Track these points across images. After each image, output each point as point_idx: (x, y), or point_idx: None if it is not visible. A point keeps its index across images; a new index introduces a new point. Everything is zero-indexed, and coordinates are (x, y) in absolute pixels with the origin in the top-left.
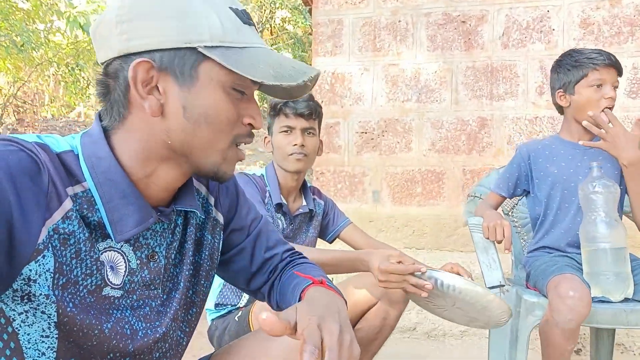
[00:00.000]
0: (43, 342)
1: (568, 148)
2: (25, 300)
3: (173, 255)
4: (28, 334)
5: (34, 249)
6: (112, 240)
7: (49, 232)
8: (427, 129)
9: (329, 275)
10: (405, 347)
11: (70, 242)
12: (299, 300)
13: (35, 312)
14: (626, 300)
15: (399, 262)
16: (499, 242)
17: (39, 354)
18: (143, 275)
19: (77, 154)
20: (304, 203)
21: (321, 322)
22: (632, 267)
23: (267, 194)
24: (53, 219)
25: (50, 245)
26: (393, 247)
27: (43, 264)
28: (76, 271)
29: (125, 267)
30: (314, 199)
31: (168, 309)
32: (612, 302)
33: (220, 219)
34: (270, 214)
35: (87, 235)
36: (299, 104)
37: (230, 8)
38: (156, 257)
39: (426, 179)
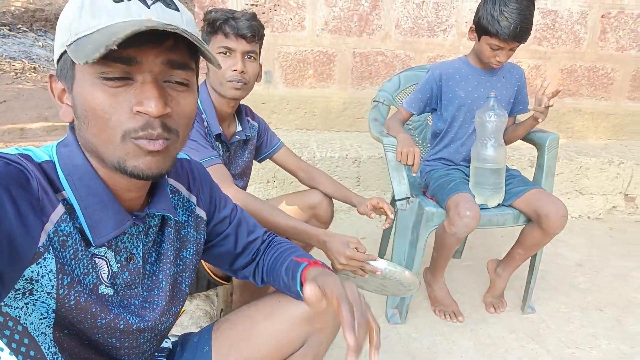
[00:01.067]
0: (42, 323)
1: (475, 74)
2: (27, 295)
3: (149, 255)
4: (32, 323)
5: (35, 252)
6: (93, 247)
7: (48, 235)
8: (321, 6)
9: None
10: None
11: (69, 243)
12: (300, 277)
13: (35, 303)
14: (498, 206)
15: (356, 249)
16: (410, 165)
17: (43, 337)
18: (124, 277)
19: (55, 164)
20: (239, 128)
21: (342, 287)
22: (506, 178)
23: (205, 123)
24: (51, 222)
25: (50, 247)
26: (330, 179)
27: (44, 265)
28: (76, 271)
29: (108, 270)
30: (247, 121)
31: (155, 305)
32: (488, 208)
33: (204, 215)
34: (211, 144)
35: (80, 236)
36: (240, 22)
37: None
38: (134, 258)
39: (318, 61)
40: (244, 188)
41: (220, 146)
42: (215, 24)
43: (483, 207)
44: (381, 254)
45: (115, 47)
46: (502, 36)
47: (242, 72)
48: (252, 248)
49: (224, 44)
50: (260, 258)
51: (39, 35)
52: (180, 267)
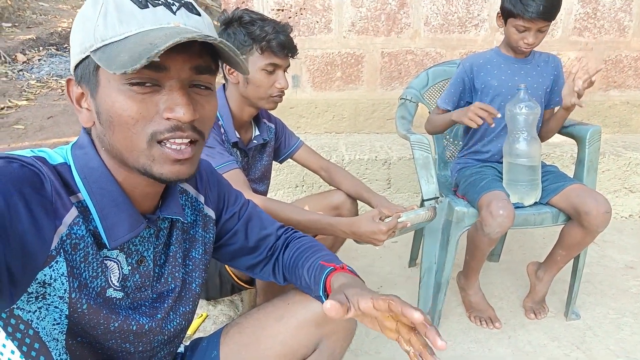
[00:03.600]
0: (55, 328)
1: (508, 62)
2: (40, 299)
3: (159, 258)
4: (44, 328)
5: (47, 255)
6: (107, 250)
7: (61, 238)
8: (348, 7)
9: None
10: None
11: (80, 246)
12: (324, 282)
13: (48, 307)
14: (535, 204)
15: (381, 219)
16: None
17: (55, 342)
18: (135, 279)
19: (70, 166)
20: (257, 133)
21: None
22: (542, 174)
23: (222, 130)
24: (64, 225)
25: (62, 250)
26: (351, 178)
27: (57, 269)
28: (85, 274)
29: (119, 273)
30: (264, 123)
31: (164, 305)
32: (524, 207)
33: (212, 214)
34: (228, 150)
35: (92, 239)
36: (287, 38)
37: None
38: (145, 261)
39: (345, 63)
40: (265, 192)
41: (238, 153)
42: (263, 38)
43: (518, 206)
44: (412, 257)
45: (158, 59)
46: (526, 15)
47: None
48: (266, 245)
49: (272, 61)
50: (279, 255)
51: None
52: (190, 267)
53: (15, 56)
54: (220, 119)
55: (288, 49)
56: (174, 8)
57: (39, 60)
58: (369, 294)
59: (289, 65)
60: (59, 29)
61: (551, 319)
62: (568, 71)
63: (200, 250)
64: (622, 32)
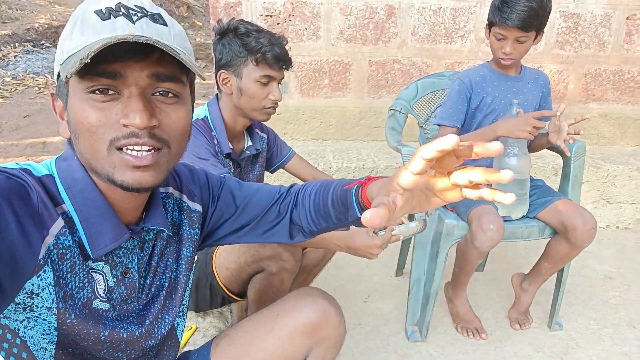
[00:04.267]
0: (44, 338)
1: (500, 80)
2: (27, 311)
3: (144, 269)
4: (32, 337)
5: (35, 264)
6: (92, 261)
7: (48, 248)
8: (336, 15)
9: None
10: None
11: (67, 256)
12: (357, 202)
13: (37, 319)
14: (522, 217)
15: (375, 232)
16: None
17: (43, 351)
18: (120, 291)
19: (54, 178)
20: (250, 143)
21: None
22: (530, 188)
23: (215, 141)
24: (51, 235)
25: (49, 260)
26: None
27: (44, 278)
28: (71, 284)
29: (105, 285)
30: (257, 134)
31: (151, 311)
32: (512, 220)
33: (198, 207)
34: (221, 161)
35: (79, 250)
36: (282, 50)
37: (95, 11)
38: (130, 272)
39: (333, 70)
40: None
41: (230, 163)
42: (259, 50)
43: (507, 220)
44: (399, 267)
45: (89, 61)
46: (502, 22)
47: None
48: (275, 208)
49: (266, 73)
50: (292, 212)
51: None
52: (183, 267)
53: None
54: (213, 129)
55: (283, 61)
56: (135, 18)
57: (15, 56)
58: (400, 171)
59: (283, 77)
60: (36, 24)
61: (535, 329)
62: (558, 90)
63: (191, 248)
64: (602, 47)
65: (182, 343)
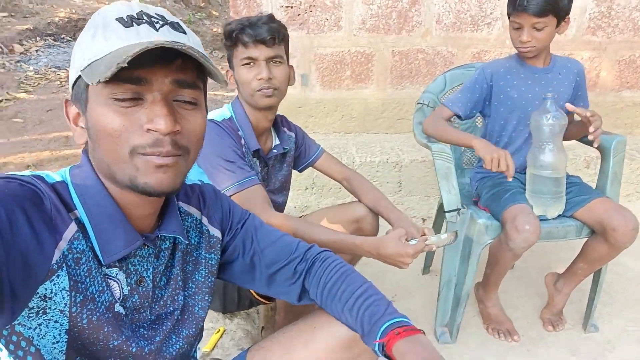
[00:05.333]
0: (55, 348)
1: (528, 72)
2: (40, 314)
3: (159, 279)
4: (45, 346)
5: (48, 269)
6: (106, 267)
7: (62, 253)
8: (358, 4)
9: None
10: None
11: (82, 260)
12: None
13: (49, 323)
14: (559, 216)
15: (407, 240)
16: (503, 172)
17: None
18: (134, 300)
19: (68, 184)
20: (277, 142)
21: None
22: (566, 186)
23: (242, 141)
24: (64, 240)
25: (64, 264)
26: (372, 190)
27: (58, 282)
28: (91, 289)
29: (120, 293)
30: (284, 132)
31: (162, 327)
32: (547, 220)
33: (217, 233)
34: (248, 162)
35: (92, 255)
36: (257, 28)
37: (117, 18)
38: (144, 281)
39: (355, 61)
40: (284, 202)
41: (257, 162)
42: (232, 35)
43: (542, 219)
44: (426, 265)
45: (126, 65)
46: (515, 9)
47: (269, 78)
48: (289, 266)
49: (245, 55)
50: (305, 278)
51: None
52: (193, 290)
53: (12, 47)
54: (240, 128)
55: (258, 38)
56: (157, 26)
57: (37, 51)
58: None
59: (275, 56)
60: (56, 18)
61: (569, 331)
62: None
63: (204, 273)
64: (637, 32)
65: (210, 346)
